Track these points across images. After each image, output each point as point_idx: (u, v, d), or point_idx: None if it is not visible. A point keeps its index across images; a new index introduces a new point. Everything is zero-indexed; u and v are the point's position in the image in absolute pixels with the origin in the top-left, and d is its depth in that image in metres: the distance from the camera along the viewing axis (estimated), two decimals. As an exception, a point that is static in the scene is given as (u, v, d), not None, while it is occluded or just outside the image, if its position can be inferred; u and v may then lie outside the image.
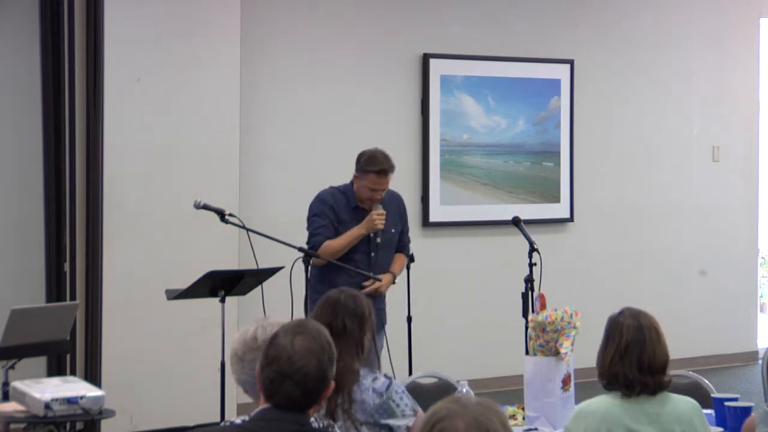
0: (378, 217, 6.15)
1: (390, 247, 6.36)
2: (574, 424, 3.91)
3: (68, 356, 7.47)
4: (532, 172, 9.59)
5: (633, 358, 3.88)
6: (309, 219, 6.27)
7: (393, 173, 6.25)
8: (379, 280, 6.14)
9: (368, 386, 4.11)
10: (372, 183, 6.17)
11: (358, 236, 6.16)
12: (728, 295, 10.52)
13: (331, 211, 6.21)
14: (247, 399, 3.52)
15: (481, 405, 2.35)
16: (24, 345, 6.28)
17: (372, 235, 6.23)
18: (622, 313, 3.98)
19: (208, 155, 8.01)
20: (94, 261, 7.56)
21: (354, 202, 6.24)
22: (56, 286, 7.52)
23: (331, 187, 6.35)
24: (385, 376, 4.19)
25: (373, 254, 6.26)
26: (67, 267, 7.52)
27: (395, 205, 6.41)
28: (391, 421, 4.08)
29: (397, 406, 4.11)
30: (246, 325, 3.57)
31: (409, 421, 4.09)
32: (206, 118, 8.03)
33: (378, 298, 6.21)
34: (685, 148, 10.35)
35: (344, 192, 6.29)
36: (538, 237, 6.28)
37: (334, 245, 6.14)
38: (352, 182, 6.30)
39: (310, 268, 6.01)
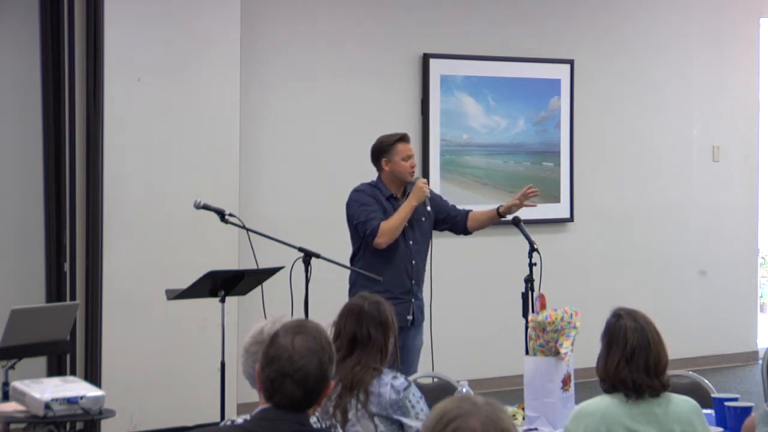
0: (423, 184, 6.21)
1: (425, 236, 6.37)
2: (574, 425, 3.91)
3: (68, 356, 7.47)
4: (532, 172, 9.59)
5: (640, 363, 3.87)
6: (356, 211, 6.23)
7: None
8: (379, 280, 6.14)
9: (387, 382, 4.20)
10: (403, 151, 6.27)
11: (410, 209, 6.18)
12: (728, 295, 10.52)
13: (373, 199, 6.26)
14: (246, 399, 3.55)
15: (491, 404, 2.35)
16: (24, 345, 6.27)
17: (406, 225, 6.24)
18: (620, 316, 3.95)
19: (208, 155, 8.01)
20: (94, 261, 7.56)
21: (387, 192, 6.26)
22: (56, 286, 7.52)
23: (361, 184, 6.38)
24: (406, 379, 4.29)
25: (411, 242, 6.27)
26: (67, 267, 7.52)
27: None
28: (404, 419, 4.15)
29: (413, 407, 4.18)
30: (262, 321, 3.63)
31: (420, 425, 4.13)
32: (206, 118, 8.03)
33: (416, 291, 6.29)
34: (685, 148, 10.35)
35: (375, 186, 6.33)
36: (538, 237, 6.27)
37: (391, 223, 6.17)
38: (377, 178, 6.32)
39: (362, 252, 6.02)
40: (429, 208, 6.27)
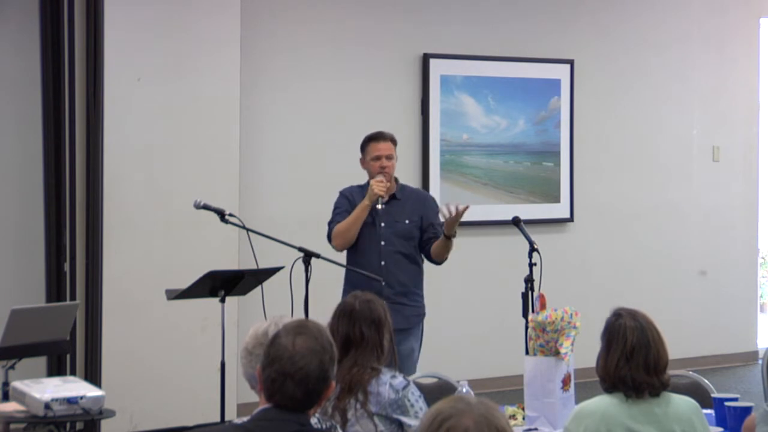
0: (376, 183, 6.09)
1: (404, 238, 6.25)
2: (574, 425, 3.91)
3: (68, 356, 7.47)
4: (532, 172, 9.60)
5: (640, 361, 3.87)
6: (332, 213, 6.33)
7: (395, 145, 6.28)
8: (379, 280, 6.11)
9: (386, 381, 4.20)
10: (373, 151, 6.21)
11: (363, 209, 6.14)
12: (728, 295, 10.52)
13: (347, 201, 6.27)
14: (246, 399, 3.54)
15: (485, 404, 2.37)
16: (24, 345, 6.27)
17: (381, 224, 6.20)
18: (620, 315, 3.96)
19: (208, 155, 8.01)
20: (94, 261, 7.56)
21: None
22: (56, 286, 7.53)
23: (350, 186, 6.40)
24: (405, 378, 4.28)
25: (383, 242, 6.21)
26: (67, 267, 7.52)
27: (416, 200, 6.36)
28: (403, 418, 4.15)
29: (412, 406, 4.18)
30: (261, 321, 3.62)
31: None
32: (206, 118, 8.03)
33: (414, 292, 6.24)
34: (685, 148, 10.36)
35: (361, 187, 6.33)
36: (538, 237, 6.27)
37: (342, 225, 6.17)
38: (368, 181, 6.30)
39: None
40: (379, 207, 6.10)
